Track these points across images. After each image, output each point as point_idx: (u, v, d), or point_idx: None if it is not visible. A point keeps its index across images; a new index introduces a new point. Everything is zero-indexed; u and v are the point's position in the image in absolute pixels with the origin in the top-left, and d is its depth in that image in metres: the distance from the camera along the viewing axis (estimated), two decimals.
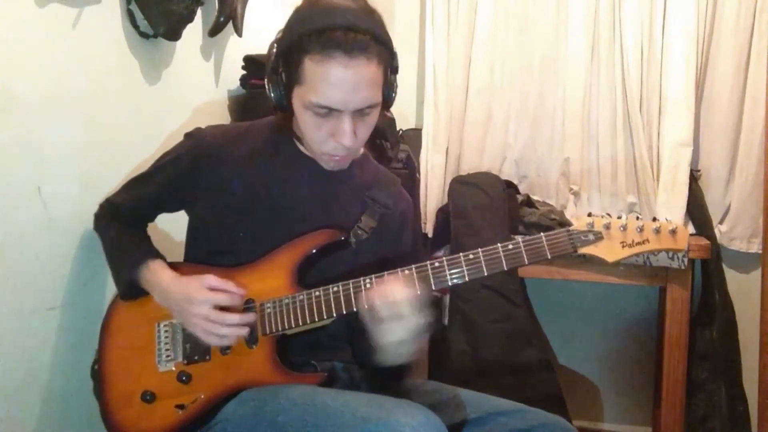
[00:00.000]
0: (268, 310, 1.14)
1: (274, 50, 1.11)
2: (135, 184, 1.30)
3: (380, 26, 1.07)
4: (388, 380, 1.20)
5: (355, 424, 0.95)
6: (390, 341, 1.04)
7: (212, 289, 1.11)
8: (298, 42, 1.04)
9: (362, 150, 1.30)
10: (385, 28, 1.09)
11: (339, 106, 1.05)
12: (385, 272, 1.09)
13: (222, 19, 1.77)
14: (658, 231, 1.04)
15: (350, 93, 1.04)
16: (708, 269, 2.21)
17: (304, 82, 1.05)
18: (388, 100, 1.14)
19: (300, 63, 1.04)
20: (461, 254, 1.07)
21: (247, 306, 1.15)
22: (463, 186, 2.24)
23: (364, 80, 1.04)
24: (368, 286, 1.08)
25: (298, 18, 1.08)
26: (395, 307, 1.02)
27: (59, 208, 1.29)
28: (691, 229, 2.26)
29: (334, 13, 1.03)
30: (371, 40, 1.04)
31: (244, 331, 1.11)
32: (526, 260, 1.05)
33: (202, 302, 1.10)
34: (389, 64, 1.10)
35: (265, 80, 1.14)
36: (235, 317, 1.10)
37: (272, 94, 1.13)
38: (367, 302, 1.05)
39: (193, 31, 1.71)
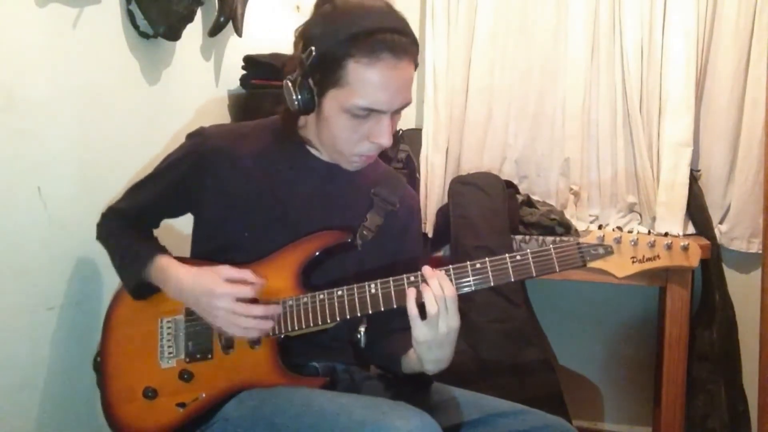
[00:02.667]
0: None
1: (312, 53, 1.05)
2: (138, 188, 1.28)
3: (409, 25, 1.09)
4: (416, 388, 1.18)
5: (351, 428, 0.95)
6: (434, 340, 1.03)
7: (230, 281, 1.09)
8: (341, 45, 1.02)
9: None
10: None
11: (384, 107, 1.06)
12: (390, 278, 1.08)
13: (222, 19, 1.77)
14: (669, 247, 1.02)
15: (395, 94, 1.06)
16: (708, 269, 2.21)
17: (346, 85, 1.04)
18: None
19: (342, 66, 1.03)
20: (468, 263, 1.06)
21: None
22: (463, 186, 2.24)
23: (407, 82, 1.07)
24: (373, 291, 1.08)
25: (336, 20, 1.05)
26: (444, 302, 1.01)
27: (59, 208, 1.29)
28: (691, 229, 2.26)
29: (374, 15, 1.04)
30: (411, 43, 1.06)
31: (269, 325, 1.09)
32: (534, 273, 1.03)
33: (223, 295, 1.07)
34: (416, 63, 1.12)
35: (289, 81, 1.09)
36: (259, 309, 1.08)
37: (299, 97, 1.08)
38: (416, 297, 1.03)
39: (193, 31, 1.71)
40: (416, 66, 1.10)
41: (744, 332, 2.20)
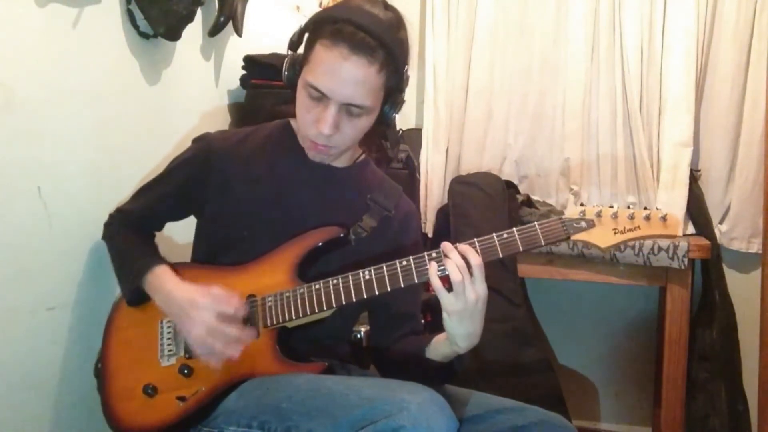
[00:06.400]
0: (270, 303, 1.15)
1: (298, 34, 1.19)
2: (146, 190, 1.33)
3: (396, 42, 1.12)
4: (437, 380, 1.17)
5: (361, 405, 0.96)
6: (464, 310, 1.04)
7: (216, 297, 1.11)
8: (316, 26, 1.13)
9: (364, 155, 1.33)
10: (404, 47, 1.14)
11: (326, 91, 1.10)
12: (384, 264, 1.10)
13: (222, 19, 1.77)
14: (648, 218, 1.06)
15: (340, 84, 1.09)
16: (708, 269, 2.21)
17: (309, 63, 1.13)
18: (387, 115, 1.19)
19: (313, 45, 1.12)
20: (457, 244, 1.08)
21: (250, 301, 1.15)
22: (463, 186, 2.24)
23: (357, 78, 1.09)
24: (367, 277, 1.10)
25: (325, 10, 1.17)
26: (467, 271, 1.03)
27: (59, 208, 1.29)
28: (691, 229, 2.26)
29: (355, 11, 1.10)
30: (379, 47, 1.08)
31: (237, 351, 1.10)
32: (520, 247, 1.07)
33: (205, 306, 1.10)
34: (393, 78, 1.14)
35: (285, 59, 1.19)
36: (234, 330, 1.09)
37: (286, 73, 1.18)
38: (439, 269, 1.05)
39: (193, 31, 1.71)
40: (388, 76, 1.12)
41: (744, 332, 2.20)
